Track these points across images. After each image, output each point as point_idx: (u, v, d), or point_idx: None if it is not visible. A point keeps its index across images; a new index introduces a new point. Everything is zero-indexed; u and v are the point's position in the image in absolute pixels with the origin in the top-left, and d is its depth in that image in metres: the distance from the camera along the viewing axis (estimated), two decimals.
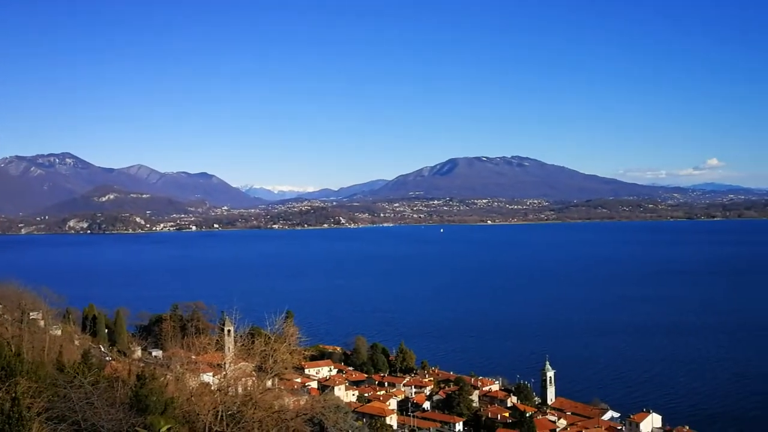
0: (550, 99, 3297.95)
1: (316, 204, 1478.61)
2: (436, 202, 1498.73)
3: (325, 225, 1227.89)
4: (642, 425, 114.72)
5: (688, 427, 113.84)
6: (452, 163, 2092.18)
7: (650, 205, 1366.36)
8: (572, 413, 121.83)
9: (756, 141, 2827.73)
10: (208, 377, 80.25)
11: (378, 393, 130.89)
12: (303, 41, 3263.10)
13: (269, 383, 69.06)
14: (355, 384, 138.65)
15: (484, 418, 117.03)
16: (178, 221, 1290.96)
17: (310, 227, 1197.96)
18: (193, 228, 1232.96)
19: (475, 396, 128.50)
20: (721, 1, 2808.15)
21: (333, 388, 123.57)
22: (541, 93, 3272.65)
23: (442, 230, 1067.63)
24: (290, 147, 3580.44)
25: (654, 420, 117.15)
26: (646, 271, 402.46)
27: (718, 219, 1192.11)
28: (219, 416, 55.03)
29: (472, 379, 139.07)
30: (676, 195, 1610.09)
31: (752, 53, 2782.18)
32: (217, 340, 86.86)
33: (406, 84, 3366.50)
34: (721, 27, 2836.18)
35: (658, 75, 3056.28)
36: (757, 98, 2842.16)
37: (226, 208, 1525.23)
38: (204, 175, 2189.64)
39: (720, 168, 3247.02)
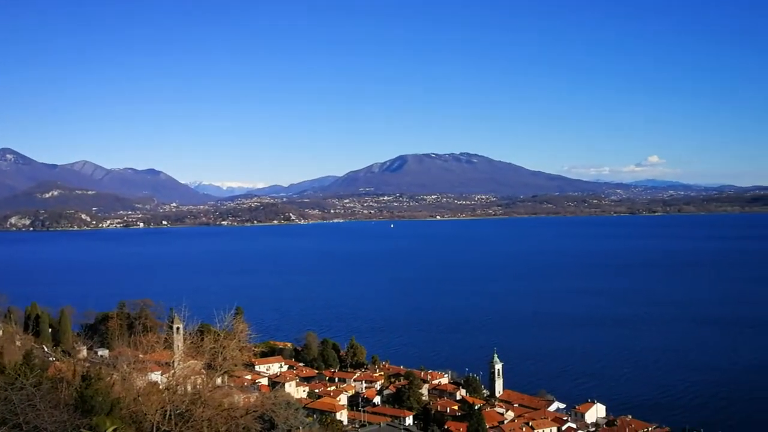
0: (498, 97, 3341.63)
1: (266, 200, 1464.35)
2: (386, 198, 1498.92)
3: (275, 221, 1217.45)
4: (587, 415, 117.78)
5: (631, 416, 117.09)
6: (402, 160, 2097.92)
7: (594, 201, 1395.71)
8: (520, 405, 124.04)
9: (694, 139, 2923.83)
10: (156, 376, 79.11)
11: (328, 389, 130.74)
12: (244, 38, 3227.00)
13: (219, 381, 68.62)
14: (305, 380, 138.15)
15: (433, 412, 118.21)
16: (125, 218, 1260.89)
17: (260, 224, 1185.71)
18: (141, 225, 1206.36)
19: (424, 390, 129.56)
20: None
21: (283, 384, 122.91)
22: (489, 91, 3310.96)
23: (392, 226, 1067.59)
24: (239, 143, 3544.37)
25: (598, 410, 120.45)
26: (590, 264, 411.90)
27: (659, 214, 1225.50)
28: (167, 415, 54.40)
29: (422, 373, 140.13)
30: (618, 191, 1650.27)
31: (692, 53, 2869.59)
32: (166, 338, 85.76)
33: (356, 81, 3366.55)
34: (664, 26, 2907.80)
35: (601, 75, 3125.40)
36: (694, 97, 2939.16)
37: (174, 204, 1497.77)
38: (152, 171, 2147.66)
39: (660, 165, 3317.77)
